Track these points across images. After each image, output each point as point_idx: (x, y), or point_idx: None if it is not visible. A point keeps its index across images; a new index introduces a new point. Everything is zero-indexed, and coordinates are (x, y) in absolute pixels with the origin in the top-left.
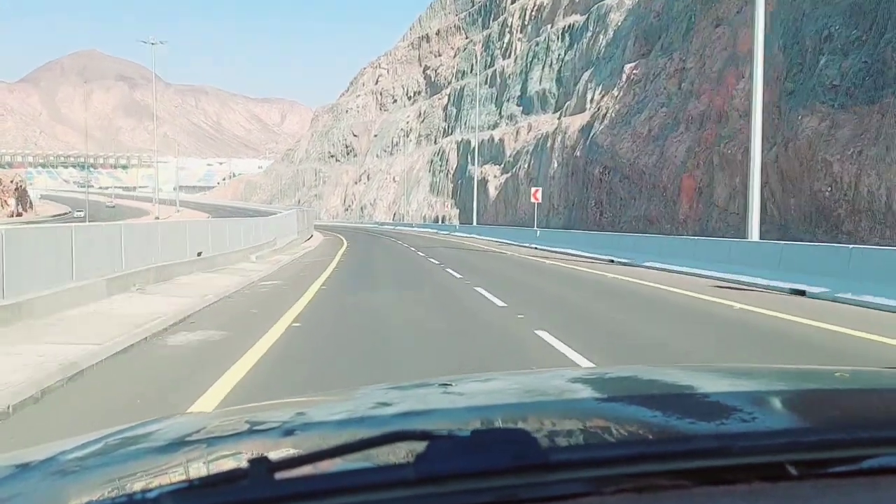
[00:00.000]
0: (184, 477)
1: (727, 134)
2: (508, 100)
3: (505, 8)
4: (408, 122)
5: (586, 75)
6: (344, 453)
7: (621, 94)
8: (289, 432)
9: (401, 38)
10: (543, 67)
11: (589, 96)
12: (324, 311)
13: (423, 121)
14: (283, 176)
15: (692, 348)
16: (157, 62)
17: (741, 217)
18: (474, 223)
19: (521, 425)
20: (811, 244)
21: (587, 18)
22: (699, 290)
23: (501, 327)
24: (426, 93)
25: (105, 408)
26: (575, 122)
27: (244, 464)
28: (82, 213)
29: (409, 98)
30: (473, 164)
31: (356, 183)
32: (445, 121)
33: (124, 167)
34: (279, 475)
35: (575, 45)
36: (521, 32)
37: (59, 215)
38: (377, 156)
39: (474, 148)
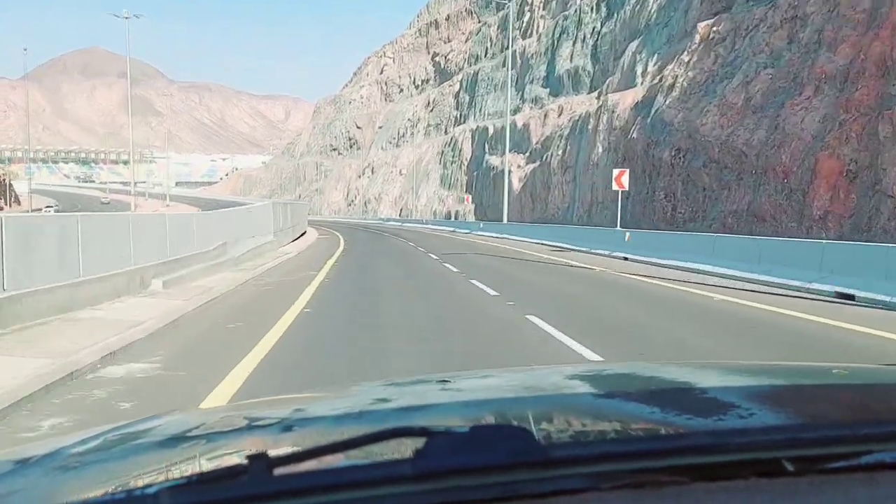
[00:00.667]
0: (183, 473)
1: None
2: (532, 81)
3: None
4: (415, 112)
5: (633, 46)
6: (342, 449)
7: (694, 58)
8: (287, 428)
9: (407, 25)
10: (575, 43)
11: (639, 69)
12: None
13: (431, 110)
14: (284, 170)
15: None
16: (160, 60)
17: None
18: (504, 220)
19: (519, 422)
20: None
21: None
22: None
23: None
24: (435, 80)
25: None
26: (625, 99)
27: (243, 460)
28: (52, 209)
29: (417, 87)
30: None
31: (359, 177)
32: (457, 109)
33: (125, 163)
34: (278, 471)
35: (615, 15)
36: (544, 9)
37: (33, 210)
38: (382, 148)
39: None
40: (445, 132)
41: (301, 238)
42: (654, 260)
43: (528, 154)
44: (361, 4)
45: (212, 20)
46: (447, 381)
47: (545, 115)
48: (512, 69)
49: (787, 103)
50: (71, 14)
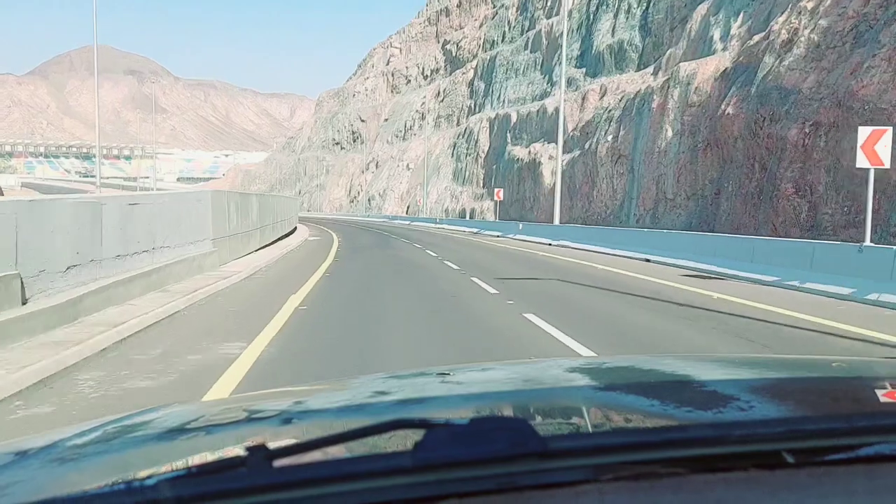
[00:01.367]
0: (182, 464)
1: None
2: (560, 62)
3: None
4: (424, 103)
5: (701, 9)
6: (342, 441)
7: (828, 2)
8: (287, 420)
9: (416, 14)
10: (617, 15)
11: (716, 33)
12: None
13: (442, 100)
14: (284, 165)
15: None
16: (164, 56)
17: None
18: (556, 221)
19: (519, 414)
20: None
21: None
22: None
23: None
24: (446, 70)
25: None
26: (704, 69)
27: (242, 451)
28: None
29: (426, 77)
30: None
31: (363, 172)
32: (471, 97)
33: (127, 158)
34: (277, 463)
35: None
36: None
37: None
38: (388, 142)
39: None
40: (458, 123)
41: (282, 240)
42: None
43: (564, 143)
44: (369, 1)
45: (218, 17)
46: (447, 374)
47: (583, 98)
48: (534, 52)
49: None
50: (78, 11)
